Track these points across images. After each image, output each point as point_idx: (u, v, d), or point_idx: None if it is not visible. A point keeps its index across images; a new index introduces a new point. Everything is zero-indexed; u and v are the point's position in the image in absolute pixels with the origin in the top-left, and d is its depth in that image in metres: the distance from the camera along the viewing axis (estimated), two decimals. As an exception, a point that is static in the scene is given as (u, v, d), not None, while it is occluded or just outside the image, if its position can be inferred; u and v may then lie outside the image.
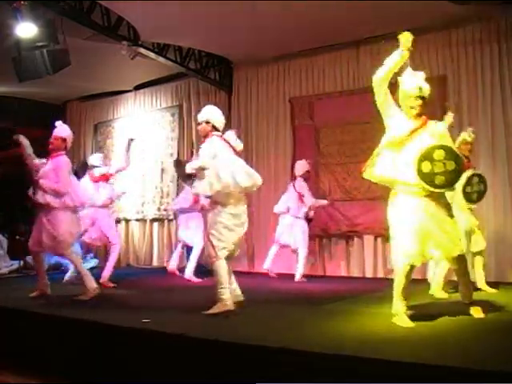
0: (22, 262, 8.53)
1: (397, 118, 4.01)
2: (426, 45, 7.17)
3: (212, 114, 4.70)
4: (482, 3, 6.31)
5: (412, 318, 3.87)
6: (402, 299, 3.90)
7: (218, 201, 4.44)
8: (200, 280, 6.76)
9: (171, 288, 6.51)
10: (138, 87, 9.97)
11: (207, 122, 4.62)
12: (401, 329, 3.75)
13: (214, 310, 4.31)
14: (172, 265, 7.44)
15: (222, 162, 4.38)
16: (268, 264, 7.26)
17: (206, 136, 4.61)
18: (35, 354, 4.22)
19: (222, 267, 4.37)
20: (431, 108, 7.10)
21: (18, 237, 9.12)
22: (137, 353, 3.68)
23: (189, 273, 6.96)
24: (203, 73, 8.60)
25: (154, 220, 9.62)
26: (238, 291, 4.67)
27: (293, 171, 7.36)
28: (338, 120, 7.82)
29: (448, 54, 7.07)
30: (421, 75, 3.99)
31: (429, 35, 7.12)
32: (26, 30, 5.80)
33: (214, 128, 4.63)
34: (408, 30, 7.20)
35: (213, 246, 4.37)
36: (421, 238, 3.80)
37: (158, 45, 7.66)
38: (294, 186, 7.07)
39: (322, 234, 7.84)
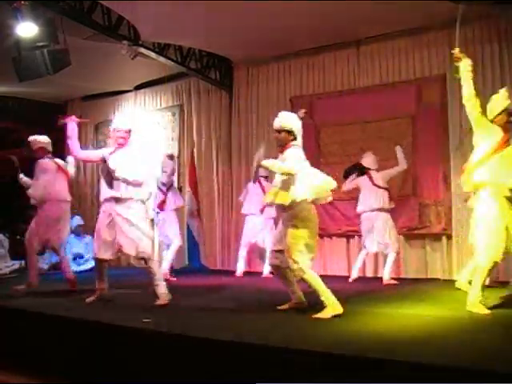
0: (23, 262, 8.53)
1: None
2: (426, 44, 7.18)
3: (294, 122, 4.37)
4: (482, 3, 6.30)
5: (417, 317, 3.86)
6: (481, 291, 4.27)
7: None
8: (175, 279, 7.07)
9: (171, 288, 6.50)
10: (138, 87, 9.97)
11: (289, 132, 4.32)
12: (401, 329, 3.75)
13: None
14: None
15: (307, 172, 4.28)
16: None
17: (284, 145, 4.32)
18: (35, 353, 4.22)
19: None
20: (432, 107, 7.18)
21: (18, 237, 9.12)
22: (137, 353, 3.67)
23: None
24: (204, 72, 8.60)
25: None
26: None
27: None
28: (339, 119, 7.82)
29: (448, 53, 7.04)
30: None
31: (429, 35, 7.14)
32: (26, 29, 5.79)
33: (295, 138, 4.35)
34: (408, 30, 7.22)
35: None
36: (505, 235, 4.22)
37: (159, 44, 7.65)
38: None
39: (322, 233, 7.82)
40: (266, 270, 7.27)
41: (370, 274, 7.45)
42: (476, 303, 4.22)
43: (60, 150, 6.87)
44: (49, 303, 5.14)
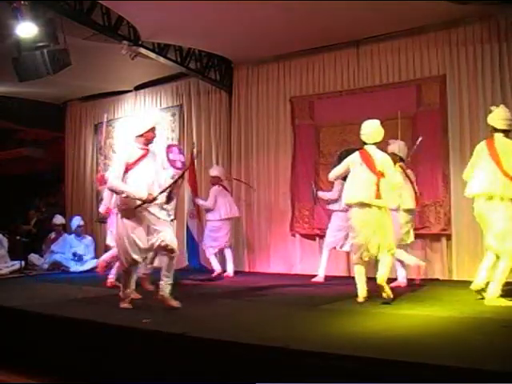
0: (23, 263, 8.54)
1: None
2: (426, 44, 7.17)
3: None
4: (482, 3, 6.30)
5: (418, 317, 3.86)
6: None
7: None
8: None
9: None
10: (138, 87, 9.96)
11: None
12: (401, 329, 3.75)
13: None
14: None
15: None
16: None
17: None
18: (35, 353, 4.22)
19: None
20: (431, 108, 7.18)
21: (18, 237, 9.12)
22: (137, 353, 3.68)
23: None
24: (203, 73, 8.59)
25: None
26: None
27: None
28: (338, 120, 7.81)
29: (448, 54, 7.06)
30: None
31: (429, 35, 7.13)
32: (26, 29, 5.79)
33: None
34: (408, 30, 7.22)
35: None
36: None
37: (159, 45, 7.65)
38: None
39: (322, 234, 7.83)
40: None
41: (369, 274, 7.43)
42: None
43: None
44: (49, 303, 5.14)
